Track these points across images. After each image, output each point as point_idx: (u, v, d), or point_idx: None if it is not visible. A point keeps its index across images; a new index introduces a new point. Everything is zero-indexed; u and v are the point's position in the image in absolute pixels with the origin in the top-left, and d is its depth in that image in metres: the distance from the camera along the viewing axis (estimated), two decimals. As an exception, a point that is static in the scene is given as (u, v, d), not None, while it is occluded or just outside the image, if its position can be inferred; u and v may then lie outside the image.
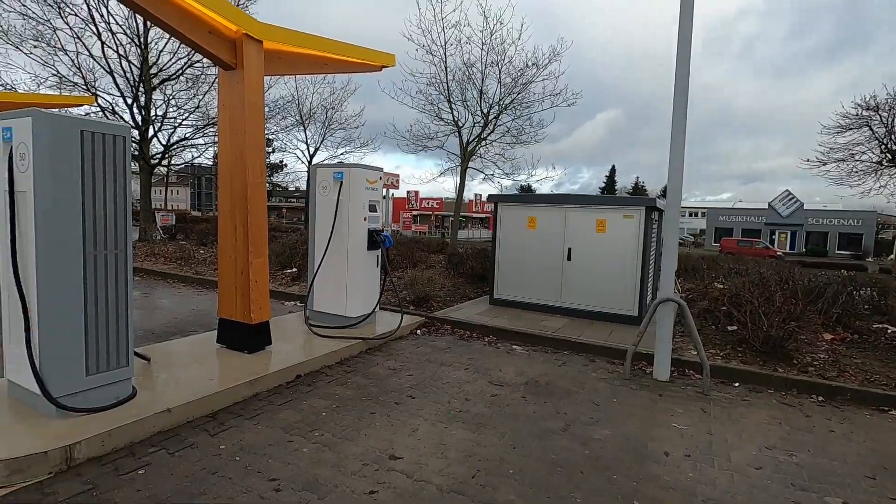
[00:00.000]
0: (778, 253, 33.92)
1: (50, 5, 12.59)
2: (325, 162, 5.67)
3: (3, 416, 3.20)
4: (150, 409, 3.39)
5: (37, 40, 12.52)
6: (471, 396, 4.29)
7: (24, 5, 12.12)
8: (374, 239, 6.01)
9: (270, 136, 22.31)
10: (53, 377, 3.13)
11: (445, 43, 12.38)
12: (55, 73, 13.25)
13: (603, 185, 79.28)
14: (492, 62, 12.42)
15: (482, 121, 12.64)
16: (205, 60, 15.26)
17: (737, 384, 4.90)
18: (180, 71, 14.97)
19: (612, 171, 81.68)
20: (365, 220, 5.92)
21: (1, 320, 3.46)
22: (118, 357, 3.47)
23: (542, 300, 7.39)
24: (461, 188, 13.22)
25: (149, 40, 14.10)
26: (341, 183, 5.85)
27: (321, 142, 21.00)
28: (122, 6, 13.47)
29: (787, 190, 44.70)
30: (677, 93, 4.79)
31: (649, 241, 6.82)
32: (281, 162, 34.06)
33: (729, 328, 6.22)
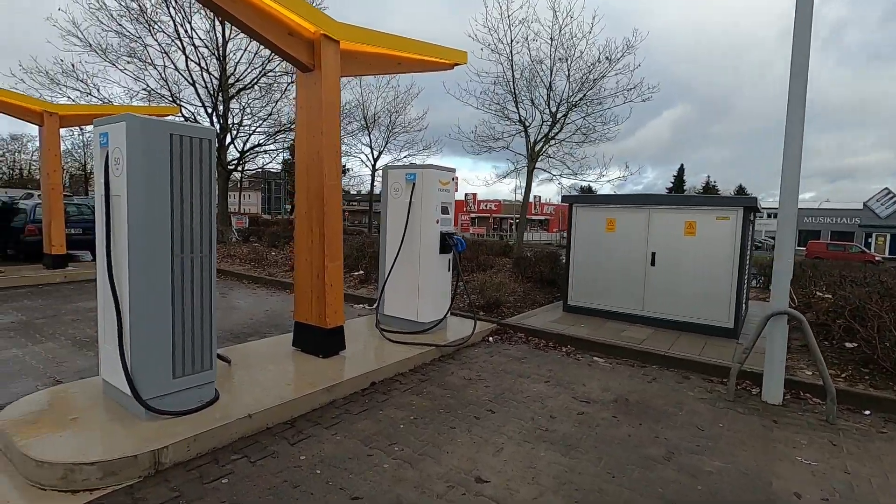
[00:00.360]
0: (876, 258, 30.38)
1: (142, 24, 13.58)
2: (395, 164, 5.62)
3: (98, 415, 3.26)
4: (232, 414, 3.35)
5: (130, 56, 13.57)
6: (555, 413, 3.96)
7: (119, 24, 13.16)
8: (447, 242, 5.81)
9: (335, 142, 22.92)
10: (143, 379, 3.15)
11: (512, 41, 12.07)
12: (145, 86, 14.30)
13: (670, 184, 75.27)
14: (560, 58, 11.96)
15: (550, 119, 12.19)
16: (277, 69, 15.90)
17: (867, 412, 4.22)
18: (254, 80, 15.66)
19: (681, 170, 77.40)
20: (437, 222, 5.73)
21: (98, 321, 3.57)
22: (202, 360, 3.47)
23: (622, 308, 6.88)
24: (528, 190, 12.83)
25: (227, 52, 14.85)
26: (413, 185, 5.70)
27: (385, 145, 21.31)
28: (204, 20, 14.29)
29: (886, 188, 40.30)
30: (794, 78, 4.21)
31: (746, 246, 6.14)
32: (344, 166, 35.04)
33: (847, 345, 5.45)
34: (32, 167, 45.79)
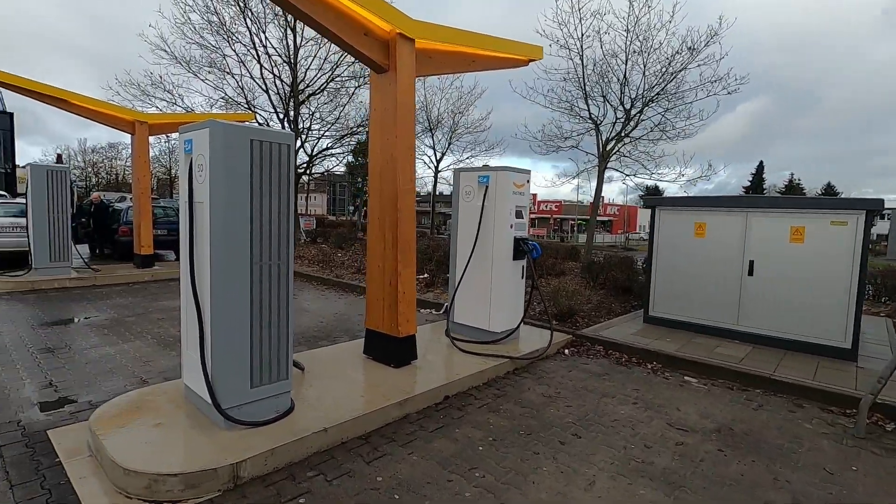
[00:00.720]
0: None
1: (221, 35, 14.33)
2: (466, 166, 5.41)
3: (181, 422, 3.27)
4: (308, 427, 3.24)
5: (210, 66, 14.37)
6: (650, 442, 3.55)
7: (202, 37, 13.96)
8: (521, 248, 5.50)
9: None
10: (223, 388, 3.12)
11: (583, 35, 11.51)
12: (223, 94, 15.08)
13: (748, 183, 69.97)
14: (636, 50, 11.26)
15: (623, 116, 11.50)
16: (344, 74, 16.24)
17: None
18: (323, 86, 16.08)
19: (760, 167, 71.69)
20: (511, 227, 5.44)
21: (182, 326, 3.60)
22: (279, 369, 3.40)
23: (714, 322, 6.24)
24: (598, 190, 12.19)
25: (298, 59, 15.34)
26: (486, 187, 5.44)
27: (448, 147, 21.26)
28: (277, 28, 14.83)
29: None
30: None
31: (867, 255, 5.35)
32: None
33: None
34: (126, 172, 50.18)
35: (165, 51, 14.09)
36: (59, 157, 45.65)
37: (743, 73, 10.53)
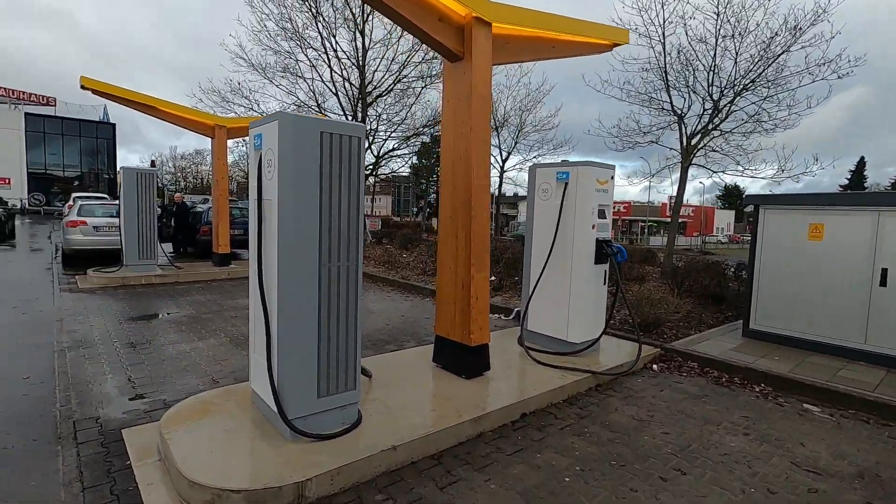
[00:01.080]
0: None
1: (294, 41, 14.80)
2: (543, 162, 5.02)
3: (247, 429, 3.13)
4: (376, 443, 2.99)
5: (284, 71, 14.89)
6: (775, 486, 2.96)
7: (276, 43, 14.49)
8: (604, 251, 4.98)
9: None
10: (289, 397, 2.93)
11: (665, 21, 10.63)
12: (296, 98, 15.57)
13: (847, 180, 63.24)
14: (726, 34, 10.21)
15: (712, 107, 10.47)
16: (410, 75, 16.23)
17: None
18: (390, 87, 16.17)
19: (861, 163, 64.59)
20: (593, 227, 4.94)
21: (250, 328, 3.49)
22: (346, 378, 3.17)
23: (833, 339, 5.37)
24: (681, 189, 11.19)
25: (367, 61, 15.53)
26: (566, 185, 4.98)
27: (514, 146, 20.75)
28: (348, 31, 15.07)
29: None
30: None
31: None
32: None
33: None
34: (210, 176, 53.93)
35: (243, 58, 14.77)
36: (153, 162, 49.90)
37: (861, 54, 9.20)
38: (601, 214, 5.05)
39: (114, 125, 44.24)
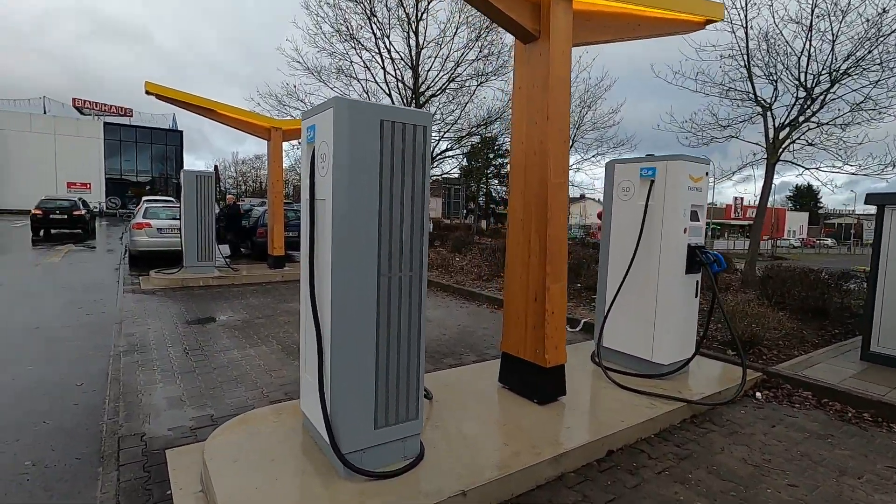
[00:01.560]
0: None
1: (350, 44, 14.78)
2: (622, 157, 4.34)
3: (296, 460, 2.76)
4: (441, 487, 2.52)
5: (339, 73, 14.89)
6: (965, 575, 2.24)
7: (332, 45, 14.53)
8: (697, 259, 4.31)
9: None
10: (343, 428, 2.53)
11: (748, 3, 9.60)
12: (350, 101, 15.52)
13: (945, 180, 56.66)
14: (821, 14, 9.06)
15: (805, 96, 9.32)
16: (464, 74, 15.82)
17: None
18: (444, 86, 15.84)
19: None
20: (685, 231, 4.28)
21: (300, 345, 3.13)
22: (408, 406, 2.74)
23: None
24: (766, 189, 10.04)
25: (420, 61, 15.27)
26: (651, 182, 4.35)
27: (571, 145, 19.79)
28: (402, 31, 14.88)
29: None
30: None
31: None
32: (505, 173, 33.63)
33: None
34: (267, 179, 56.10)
35: (299, 62, 14.89)
36: (216, 167, 52.42)
37: None
38: (694, 216, 4.37)
39: (181, 132, 46.87)
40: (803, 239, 63.25)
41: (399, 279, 2.64)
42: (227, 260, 11.14)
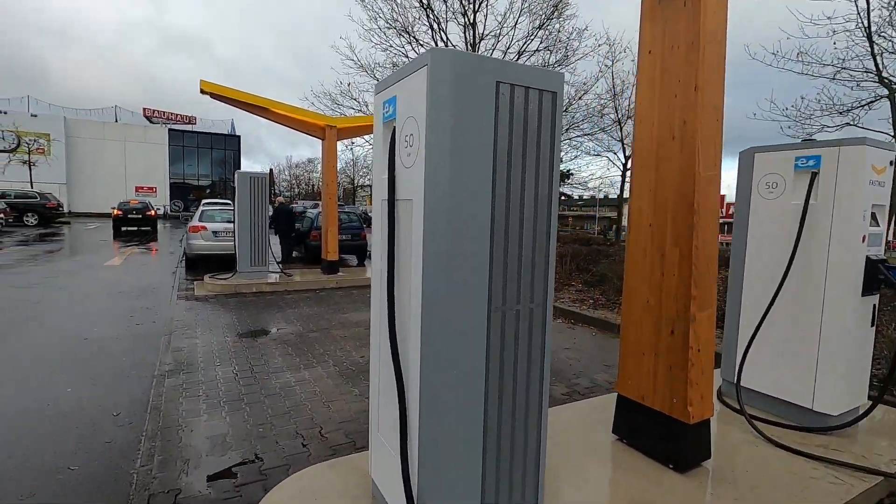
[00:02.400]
0: None
1: (405, 38, 14.23)
2: (766, 145, 3.40)
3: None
4: None
5: (394, 67, 14.34)
6: None
7: (388, 38, 14.02)
8: (880, 276, 3.24)
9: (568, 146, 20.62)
10: (438, 531, 1.75)
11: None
12: (404, 99, 14.98)
13: None
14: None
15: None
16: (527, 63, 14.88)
17: None
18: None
19: None
20: (863, 240, 3.22)
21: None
22: (525, 490, 1.94)
23: None
24: None
25: (478, 53, 14.51)
26: (813, 175, 3.32)
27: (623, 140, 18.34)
28: (458, 25, 14.14)
29: None
30: None
31: None
32: (567, 171, 31.39)
33: None
34: (321, 183, 57.17)
35: (353, 60, 14.48)
36: (271, 171, 53.94)
37: None
38: (873, 219, 3.31)
39: (239, 137, 48.48)
40: (891, 242, 57.46)
41: (516, 314, 1.84)
42: (280, 265, 10.80)
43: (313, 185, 61.08)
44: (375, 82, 14.76)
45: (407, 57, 14.44)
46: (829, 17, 8.46)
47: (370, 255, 13.87)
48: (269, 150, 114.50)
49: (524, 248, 1.83)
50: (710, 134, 2.66)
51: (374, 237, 2.21)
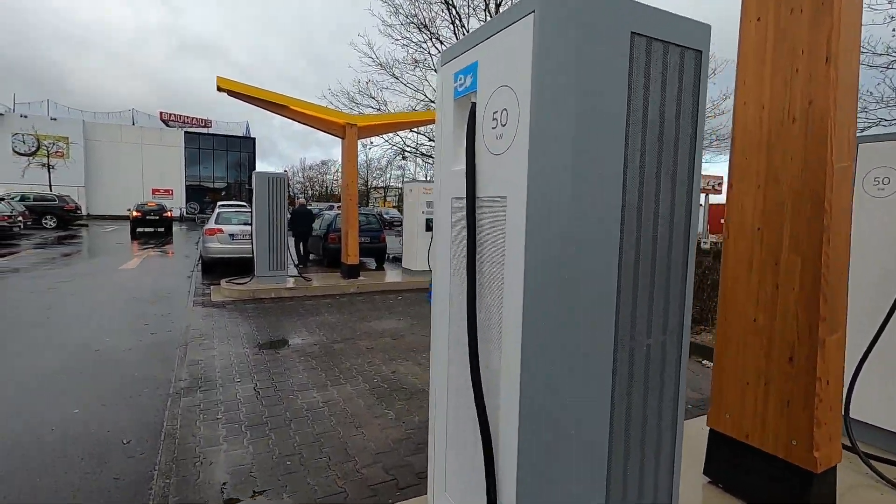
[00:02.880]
0: None
1: (425, 35, 13.82)
2: (877, 134, 2.95)
3: None
4: None
5: (415, 64, 13.96)
6: None
7: (409, 32, 13.63)
8: None
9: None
10: None
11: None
12: (423, 97, 14.55)
13: None
14: None
15: None
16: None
17: None
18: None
19: None
20: None
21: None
22: (648, 587, 1.45)
23: None
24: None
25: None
26: (939, 168, 2.79)
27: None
28: (479, 21, 13.70)
29: None
30: None
31: None
32: None
33: None
34: (333, 184, 57.10)
35: (371, 57, 14.13)
36: (286, 173, 54.11)
37: None
38: None
39: (254, 139, 48.56)
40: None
41: (646, 350, 1.36)
42: (298, 268, 10.42)
43: (327, 188, 61.07)
44: (395, 80, 14.37)
45: (429, 54, 14.03)
46: (889, 1, 7.82)
47: (390, 257, 13.44)
48: (281, 153, 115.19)
49: (658, 262, 1.35)
50: (846, 116, 2.15)
51: (438, 245, 1.75)
